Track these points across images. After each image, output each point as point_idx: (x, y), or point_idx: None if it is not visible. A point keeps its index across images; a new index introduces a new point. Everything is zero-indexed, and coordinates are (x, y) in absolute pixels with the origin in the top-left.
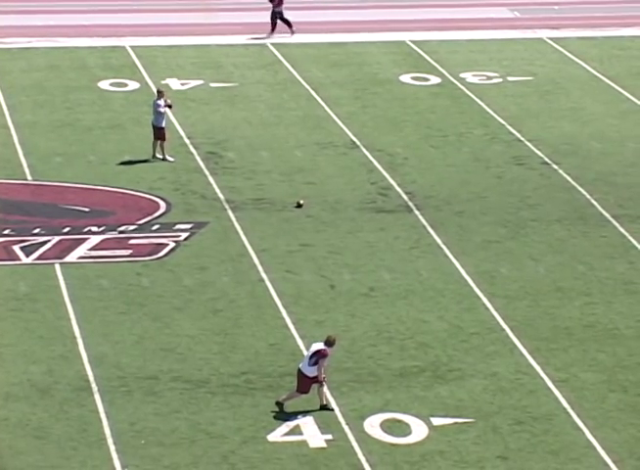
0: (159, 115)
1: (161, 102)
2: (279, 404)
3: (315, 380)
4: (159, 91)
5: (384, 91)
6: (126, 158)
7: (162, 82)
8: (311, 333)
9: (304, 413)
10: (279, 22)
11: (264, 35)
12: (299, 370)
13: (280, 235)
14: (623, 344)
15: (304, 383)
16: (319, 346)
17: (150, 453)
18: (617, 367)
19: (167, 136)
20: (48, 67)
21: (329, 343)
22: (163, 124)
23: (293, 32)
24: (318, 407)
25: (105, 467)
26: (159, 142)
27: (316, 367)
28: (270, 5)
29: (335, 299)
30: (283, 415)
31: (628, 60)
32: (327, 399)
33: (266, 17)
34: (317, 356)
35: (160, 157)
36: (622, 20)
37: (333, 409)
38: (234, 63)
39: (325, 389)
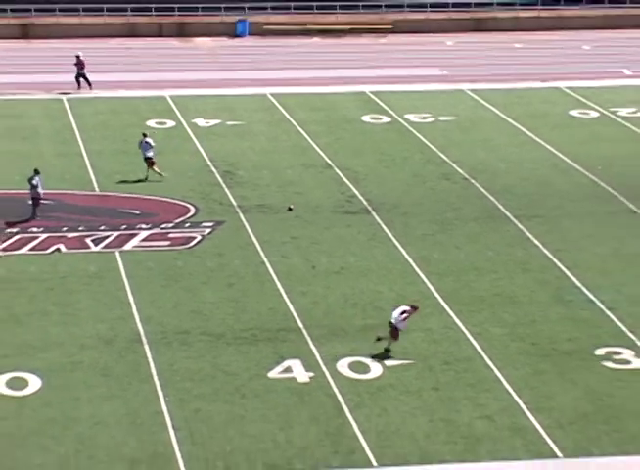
0: (150, 148)
1: (150, 140)
2: (387, 350)
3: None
4: (144, 134)
5: (350, 127)
6: (166, 175)
7: (192, 121)
8: (298, 300)
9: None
10: (82, 81)
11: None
12: (391, 323)
13: (276, 230)
14: (520, 308)
15: (395, 333)
16: (405, 308)
17: (183, 386)
18: (516, 324)
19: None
20: (110, 110)
21: (413, 307)
22: (151, 154)
23: (91, 89)
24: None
25: (151, 396)
26: (151, 166)
27: (403, 322)
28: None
29: (315, 276)
30: (278, 359)
31: (524, 105)
32: (391, 345)
33: (271, 75)
34: (405, 315)
35: (146, 176)
36: (520, 76)
37: (390, 350)
38: (243, 107)
39: (394, 338)
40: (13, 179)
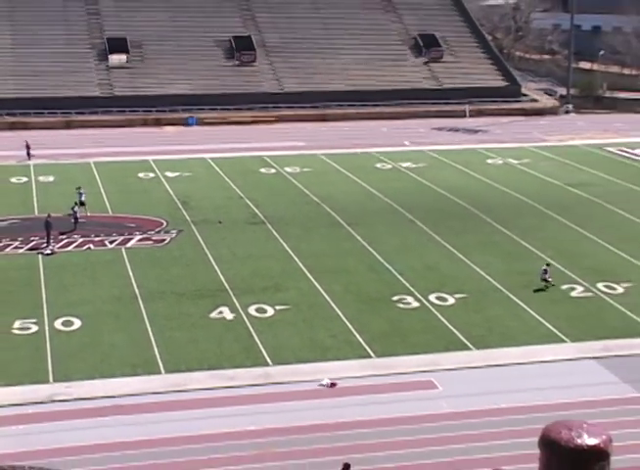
0: (81, 195)
1: (82, 190)
2: (553, 285)
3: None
4: (79, 187)
5: (253, 176)
6: (149, 204)
7: (165, 174)
8: (225, 273)
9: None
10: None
11: (28, 160)
12: (541, 277)
13: (213, 235)
14: (350, 275)
15: (544, 279)
16: (545, 267)
17: (162, 323)
18: (348, 284)
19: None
20: (116, 168)
21: (547, 265)
22: (83, 199)
23: (30, 158)
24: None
25: (144, 329)
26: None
27: (545, 274)
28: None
29: (236, 260)
30: (215, 306)
31: (350, 162)
32: (549, 283)
33: (208, 147)
34: (547, 270)
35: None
36: (347, 145)
37: (554, 285)
38: (193, 165)
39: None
40: (62, 208)
